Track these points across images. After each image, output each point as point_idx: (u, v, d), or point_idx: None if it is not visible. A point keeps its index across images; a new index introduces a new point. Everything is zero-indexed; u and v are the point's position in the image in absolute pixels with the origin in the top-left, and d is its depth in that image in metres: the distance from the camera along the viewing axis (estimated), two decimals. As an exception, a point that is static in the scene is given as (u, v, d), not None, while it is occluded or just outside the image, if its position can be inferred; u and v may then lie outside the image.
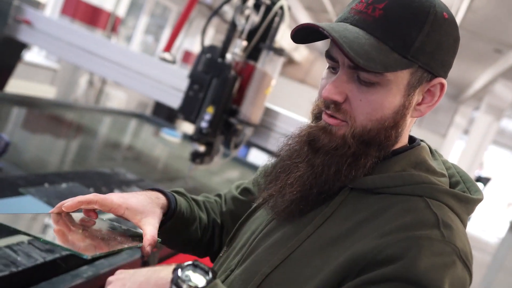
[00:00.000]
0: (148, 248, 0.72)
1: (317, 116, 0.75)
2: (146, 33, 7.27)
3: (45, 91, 5.02)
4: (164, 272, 0.61)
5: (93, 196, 0.76)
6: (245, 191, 1.00)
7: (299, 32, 0.70)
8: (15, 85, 3.68)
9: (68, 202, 0.75)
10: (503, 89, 7.40)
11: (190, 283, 0.57)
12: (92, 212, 0.78)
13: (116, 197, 0.77)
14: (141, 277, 0.62)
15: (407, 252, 0.61)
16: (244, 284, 0.71)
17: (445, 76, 0.72)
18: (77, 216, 0.77)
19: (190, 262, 0.60)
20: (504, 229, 5.30)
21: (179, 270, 0.58)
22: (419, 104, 0.72)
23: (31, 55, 4.92)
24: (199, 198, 0.98)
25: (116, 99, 6.17)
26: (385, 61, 0.65)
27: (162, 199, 0.84)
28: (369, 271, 0.62)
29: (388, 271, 0.61)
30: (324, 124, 0.72)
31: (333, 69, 0.73)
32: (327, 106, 0.71)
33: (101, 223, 0.79)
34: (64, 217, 0.75)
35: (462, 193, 0.70)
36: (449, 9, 0.69)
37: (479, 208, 0.74)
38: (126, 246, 0.73)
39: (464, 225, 0.69)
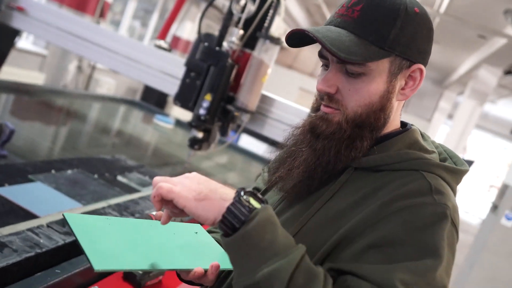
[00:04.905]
0: None
1: (317, 109, 0.86)
2: (134, 19, 7.21)
3: (34, 77, 4.99)
4: (228, 190, 0.72)
5: None
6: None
7: (291, 37, 0.82)
8: (4, 72, 3.67)
9: None
10: (487, 74, 7.56)
11: (248, 203, 0.68)
12: None
13: None
14: (210, 186, 0.71)
15: (405, 217, 0.72)
16: None
17: (423, 62, 0.82)
18: None
19: (250, 189, 0.71)
20: (485, 211, 5.48)
21: (242, 192, 0.69)
22: (403, 88, 0.83)
23: (19, 41, 4.87)
24: None
25: (106, 84, 6.15)
26: (365, 53, 0.76)
27: None
28: (370, 235, 0.72)
29: (389, 234, 0.71)
30: (322, 113, 0.83)
31: (326, 66, 0.84)
32: (322, 98, 0.83)
33: None
34: None
35: (451, 165, 0.82)
36: (420, 5, 0.80)
37: (462, 191, 0.84)
38: None
39: (454, 193, 0.81)
